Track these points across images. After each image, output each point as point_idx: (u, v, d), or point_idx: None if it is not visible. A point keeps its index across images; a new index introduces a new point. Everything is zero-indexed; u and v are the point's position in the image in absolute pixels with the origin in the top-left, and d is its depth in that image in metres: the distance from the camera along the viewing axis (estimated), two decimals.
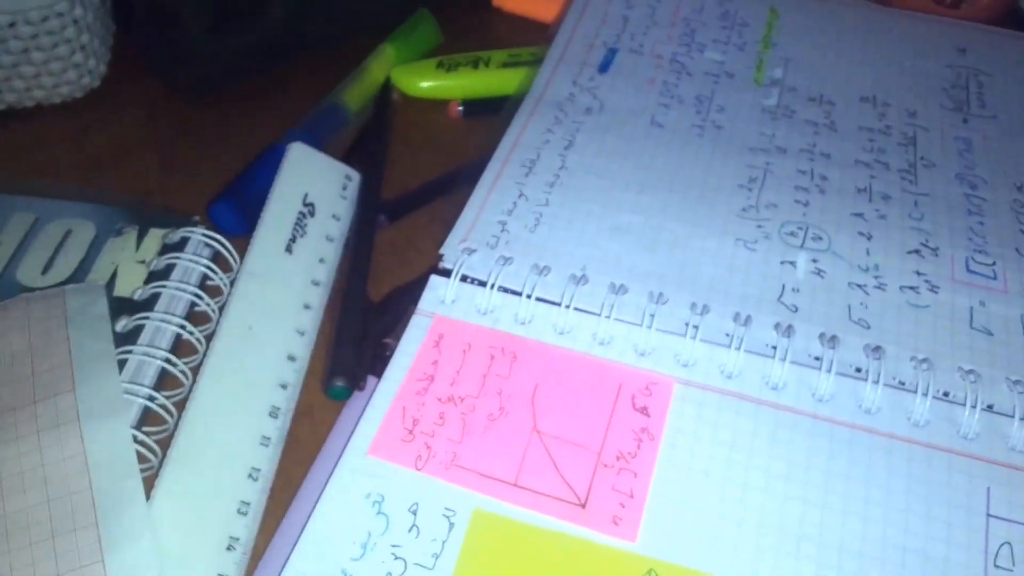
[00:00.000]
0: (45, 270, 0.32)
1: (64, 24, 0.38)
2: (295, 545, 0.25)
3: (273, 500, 0.27)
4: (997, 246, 0.32)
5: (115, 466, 0.25)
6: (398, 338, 0.30)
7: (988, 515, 0.25)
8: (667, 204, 0.34)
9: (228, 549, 0.26)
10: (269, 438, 0.28)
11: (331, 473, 0.26)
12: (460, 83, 0.42)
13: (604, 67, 0.40)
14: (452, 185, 0.37)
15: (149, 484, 0.26)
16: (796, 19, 0.43)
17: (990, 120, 0.38)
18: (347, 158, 0.37)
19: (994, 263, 0.31)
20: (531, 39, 0.44)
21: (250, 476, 0.27)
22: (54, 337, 0.28)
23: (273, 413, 0.29)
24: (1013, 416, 0.27)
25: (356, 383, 0.29)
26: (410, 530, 0.25)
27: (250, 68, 0.42)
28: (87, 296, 0.30)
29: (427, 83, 0.42)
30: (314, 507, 0.26)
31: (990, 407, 0.27)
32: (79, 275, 0.31)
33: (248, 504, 0.27)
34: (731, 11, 0.44)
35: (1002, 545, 0.25)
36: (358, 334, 0.31)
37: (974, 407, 0.27)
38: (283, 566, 0.25)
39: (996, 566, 0.24)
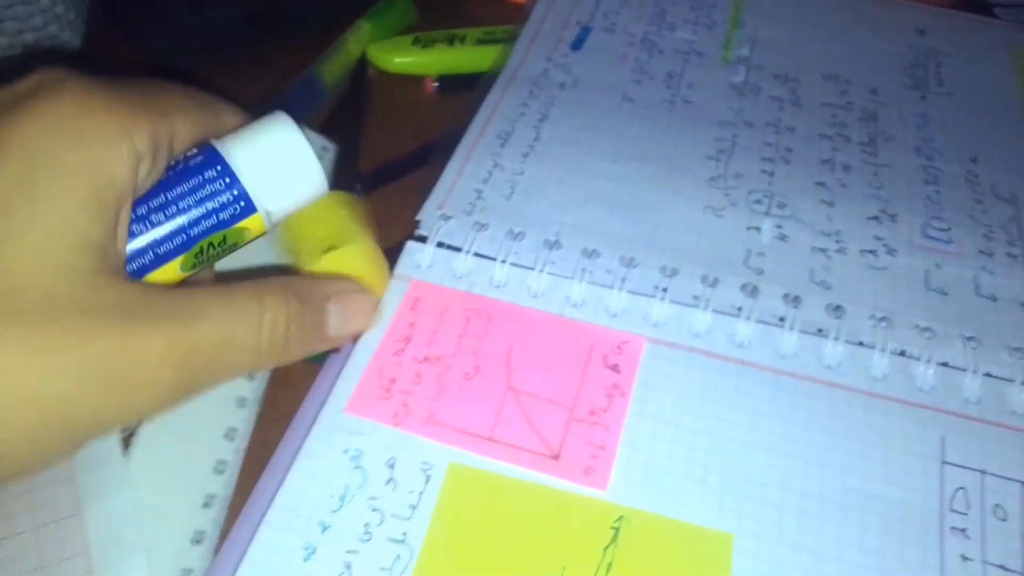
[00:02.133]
0: None
1: None
2: (272, 499, 0.25)
3: (251, 459, 0.28)
4: (952, 213, 0.33)
5: None
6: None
7: (943, 462, 0.26)
8: (638, 173, 0.34)
9: (205, 506, 0.26)
10: (245, 399, 0.29)
11: (308, 430, 0.27)
12: (436, 59, 0.42)
13: (577, 44, 0.41)
14: (428, 157, 0.37)
15: (126, 444, 0.26)
16: (763, 1, 0.45)
17: (947, 97, 0.39)
18: (324, 131, 0.37)
19: (949, 228, 0.33)
20: (506, 19, 0.45)
21: (226, 436, 0.28)
22: None
23: (249, 375, 0.29)
24: (966, 370, 0.28)
25: None
26: (387, 483, 0.26)
27: (229, 43, 0.42)
28: None
29: (403, 59, 0.42)
30: (291, 462, 0.26)
31: (945, 363, 0.28)
32: None
33: (225, 463, 0.27)
34: None
35: (957, 490, 0.26)
36: None
37: (929, 361, 0.28)
38: (260, 520, 0.25)
39: (952, 510, 0.26)
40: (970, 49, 0.43)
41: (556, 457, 0.26)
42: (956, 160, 0.36)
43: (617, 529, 0.25)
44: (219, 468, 0.27)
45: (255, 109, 0.37)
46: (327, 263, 0.28)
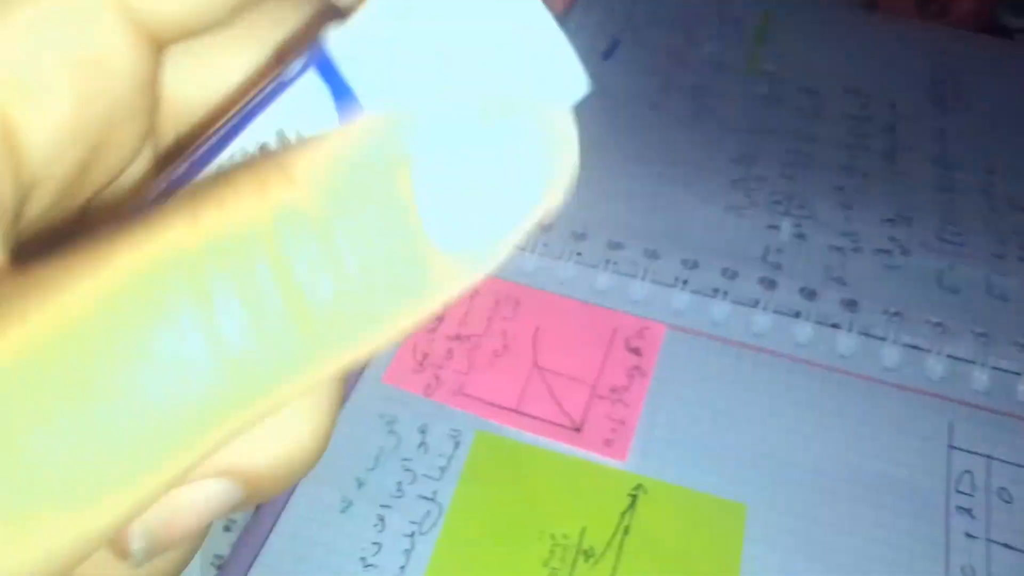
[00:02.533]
0: None
1: None
2: None
3: None
4: (966, 219, 0.35)
5: None
6: None
7: (950, 447, 0.27)
8: (662, 174, 0.36)
9: None
10: None
11: (348, 397, 0.29)
12: None
13: (607, 55, 0.43)
14: None
15: None
16: (787, 20, 0.47)
17: (965, 112, 0.41)
18: None
19: (963, 233, 0.34)
20: None
21: None
22: None
23: None
24: (975, 362, 0.29)
25: None
26: (419, 447, 0.27)
27: None
28: None
29: None
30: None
31: (954, 355, 0.30)
32: None
33: None
34: (726, 10, 0.47)
35: (963, 473, 0.27)
36: None
37: (939, 354, 0.29)
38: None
39: (958, 491, 0.27)
40: (989, 68, 0.44)
41: (578, 429, 0.28)
42: (972, 170, 0.37)
43: (635, 496, 0.26)
44: None
45: None
46: None
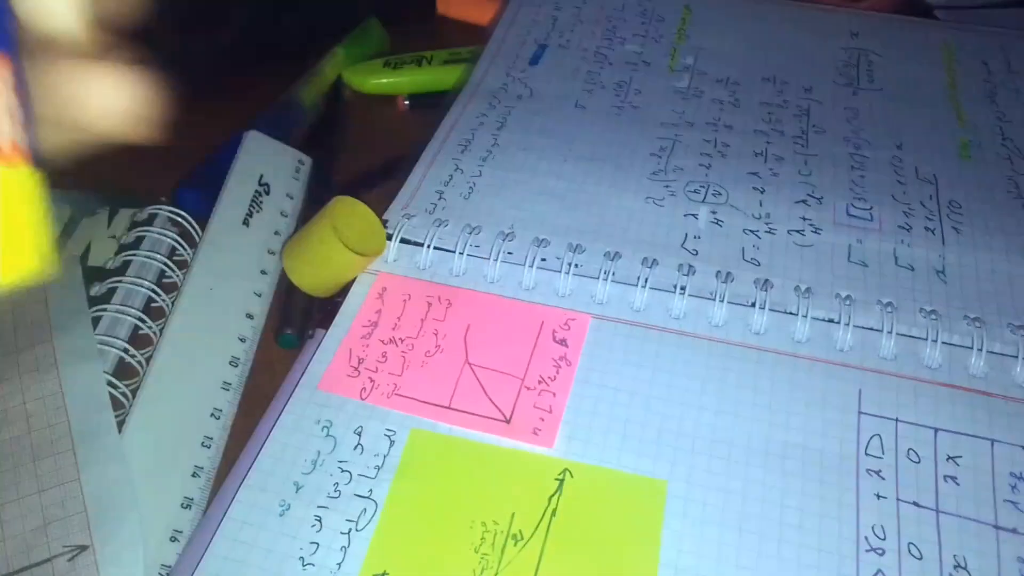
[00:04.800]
0: None
1: None
2: (251, 465, 0.28)
3: (234, 436, 0.31)
4: (875, 193, 0.36)
5: (89, 402, 0.28)
6: (343, 298, 0.33)
7: (860, 412, 0.29)
8: (587, 171, 0.38)
9: (193, 476, 0.29)
10: (230, 383, 0.32)
11: (284, 406, 0.30)
12: (406, 79, 0.46)
13: (535, 60, 0.45)
14: (398, 167, 0.40)
15: (122, 423, 0.29)
16: (708, 14, 0.48)
17: (877, 92, 0.43)
18: (305, 148, 0.41)
19: (871, 207, 0.36)
20: (471, 41, 0.48)
21: (212, 415, 0.31)
22: (32, 298, 0.31)
23: (233, 363, 0.32)
24: (882, 331, 0.31)
25: (303, 332, 0.33)
26: (355, 448, 0.28)
27: (214, 72, 0.46)
28: (62, 264, 0.33)
29: (376, 80, 0.46)
30: (269, 432, 0.29)
31: (863, 326, 0.31)
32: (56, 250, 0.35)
33: (211, 439, 0.30)
34: (649, 9, 0.48)
35: (872, 436, 0.28)
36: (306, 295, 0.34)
37: (848, 325, 0.31)
38: (240, 483, 0.28)
39: (867, 454, 0.28)
40: (902, 47, 0.46)
41: (508, 421, 0.29)
42: (882, 147, 0.39)
43: (561, 480, 0.27)
44: (206, 443, 0.30)
45: (239, 130, 0.41)
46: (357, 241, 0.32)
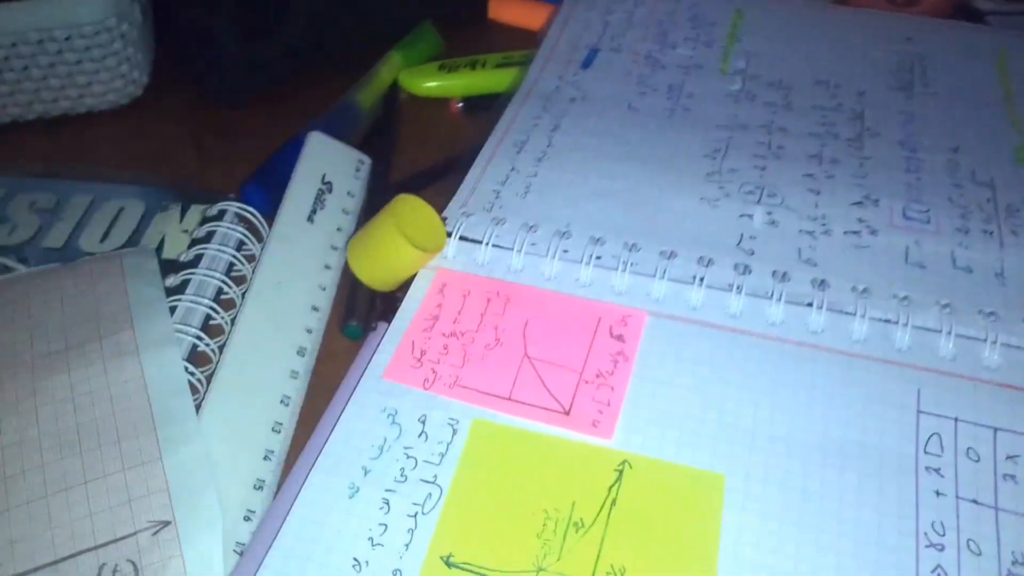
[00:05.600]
0: (103, 239, 0.37)
1: (112, 38, 0.43)
2: (321, 450, 0.29)
3: (302, 422, 0.32)
4: (932, 196, 0.36)
5: (169, 386, 0.30)
6: (405, 292, 0.34)
7: (919, 411, 0.29)
8: (641, 172, 0.38)
9: (265, 459, 0.30)
10: (297, 372, 0.33)
11: (352, 393, 0.31)
12: (459, 82, 0.47)
13: (586, 64, 0.46)
14: (453, 167, 0.41)
15: (198, 408, 0.30)
16: (759, 18, 0.49)
17: (932, 96, 0.43)
18: (361, 149, 0.42)
19: (928, 210, 0.36)
20: (523, 45, 0.49)
21: (282, 402, 0.32)
22: (115, 288, 0.33)
23: (300, 352, 0.33)
24: (940, 331, 0.31)
25: (368, 323, 0.34)
26: (419, 435, 0.29)
27: (275, 75, 0.47)
28: (140, 256, 0.35)
29: (430, 83, 0.47)
30: (337, 420, 0.30)
31: (921, 326, 0.31)
32: (132, 243, 0.36)
33: (281, 424, 0.31)
34: (700, 13, 0.49)
35: (931, 435, 0.29)
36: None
37: (906, 325, 0.31)
38: (311, 467, 0.29)
39: (926, 452, 0.28)
40: (955, 51, 0.46)
41: (567, 413, 0.30)
42: (937, 150, 0.39)
43: (620, 471, 0.28)
44: (276, 428, 0.31)
45: (301, 131, 0.42)
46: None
